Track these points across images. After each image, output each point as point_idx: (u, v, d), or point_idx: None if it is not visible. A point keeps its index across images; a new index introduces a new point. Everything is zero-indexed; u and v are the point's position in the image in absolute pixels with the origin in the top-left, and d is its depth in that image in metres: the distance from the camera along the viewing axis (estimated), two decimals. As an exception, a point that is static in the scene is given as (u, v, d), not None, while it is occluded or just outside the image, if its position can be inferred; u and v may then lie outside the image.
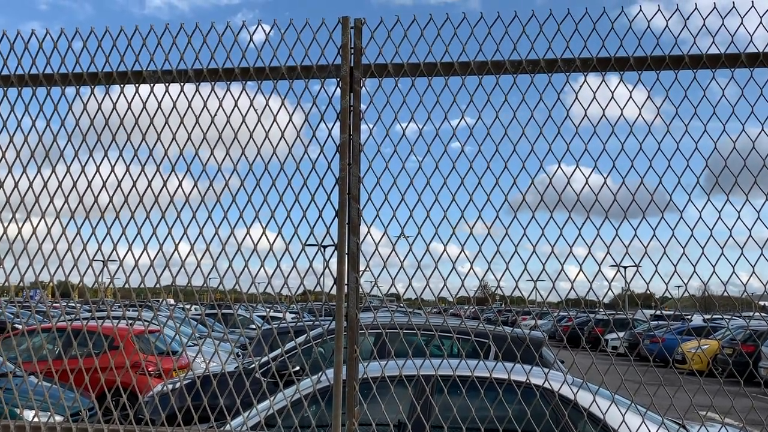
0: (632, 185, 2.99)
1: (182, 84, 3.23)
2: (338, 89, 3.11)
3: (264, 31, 3.24)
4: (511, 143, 3.04)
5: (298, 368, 7.35)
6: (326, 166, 3.10)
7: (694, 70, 2.93)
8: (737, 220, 2.80)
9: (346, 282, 3.02)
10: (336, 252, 3.04)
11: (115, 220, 3.22)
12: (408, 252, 3.08)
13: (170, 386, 7.18)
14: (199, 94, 3.23)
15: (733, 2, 2.93)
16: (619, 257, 3.05)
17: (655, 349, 23.17)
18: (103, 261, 3.38)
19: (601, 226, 2.95)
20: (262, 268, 3.13)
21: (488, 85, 3.08)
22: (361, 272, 3.04)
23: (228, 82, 3.21)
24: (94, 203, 3.25)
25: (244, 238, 3.16)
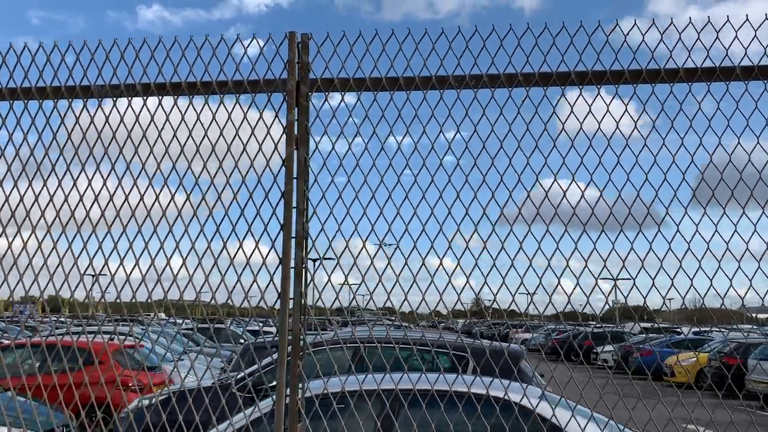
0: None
1: (130, 98, 3.24)
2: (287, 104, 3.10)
3: (211, 45, 3.20)
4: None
5: (275, 383, 7.27)
6: (279, 181, 3.08)
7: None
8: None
9: (291, 297, 2.99)
10: (282, 266, 3.00)
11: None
12: (352, 266, 3.06)
13: (146, 402, 7.07)
14: (147, 108, 3.23)
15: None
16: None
17: (644, 362, 23.14)
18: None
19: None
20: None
21: (433, 100, 3.08)
22: (304, 286, 3.00)
23: (175, 97, 3.22)
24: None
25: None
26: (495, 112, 3.06)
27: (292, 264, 3.01)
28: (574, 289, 2.91)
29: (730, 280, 2.74)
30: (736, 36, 2.87)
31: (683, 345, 23.62)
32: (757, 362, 17.45)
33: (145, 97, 3.22)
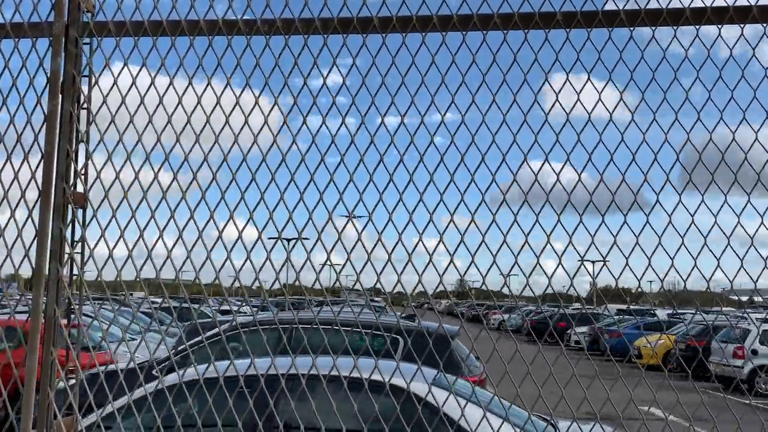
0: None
1: None
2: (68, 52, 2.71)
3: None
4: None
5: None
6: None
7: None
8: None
9: (46, 273, 2.62)
10: (37, 240, 2.63)
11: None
12: (153, 252, 2.71)
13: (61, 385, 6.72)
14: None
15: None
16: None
17: (614, 344, 23.42)
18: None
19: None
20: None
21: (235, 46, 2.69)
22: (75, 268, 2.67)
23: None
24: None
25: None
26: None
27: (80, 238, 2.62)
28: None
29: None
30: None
31: (653, 327, 23.84)
32: (718, 345, 17.63)
33: None
